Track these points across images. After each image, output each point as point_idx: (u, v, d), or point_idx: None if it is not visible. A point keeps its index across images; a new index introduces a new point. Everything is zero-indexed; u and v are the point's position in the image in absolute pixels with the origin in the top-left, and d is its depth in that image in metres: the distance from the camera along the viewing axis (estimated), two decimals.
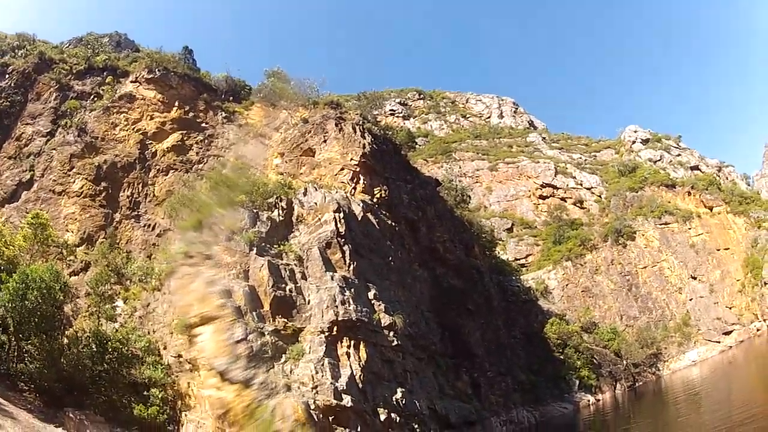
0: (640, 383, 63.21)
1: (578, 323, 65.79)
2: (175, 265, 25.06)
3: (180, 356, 22.26)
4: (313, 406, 20.29)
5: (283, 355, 21.81)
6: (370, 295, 26.02)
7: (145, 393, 21.37)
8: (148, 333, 24.44)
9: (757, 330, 69.13)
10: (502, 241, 77.96)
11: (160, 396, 21.32)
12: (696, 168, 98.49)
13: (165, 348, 23.10)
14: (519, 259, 77.45)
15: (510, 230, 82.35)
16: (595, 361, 61.14)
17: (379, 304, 25.99)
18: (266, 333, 21.94)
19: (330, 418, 20.82)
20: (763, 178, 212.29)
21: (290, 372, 21.40)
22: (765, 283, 69.96)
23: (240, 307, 22.04)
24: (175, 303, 23.90)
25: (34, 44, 48.31)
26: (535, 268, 75.37)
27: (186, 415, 20.99)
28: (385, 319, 25.58)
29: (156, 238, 31.22)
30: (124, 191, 37.54)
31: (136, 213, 36.60)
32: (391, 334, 25.72)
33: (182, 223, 28.15)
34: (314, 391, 20.82)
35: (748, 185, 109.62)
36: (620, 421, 41.90)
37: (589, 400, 55.47)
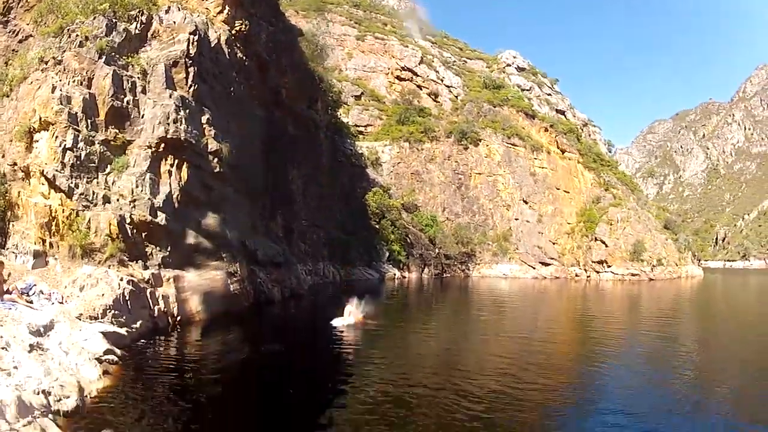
0: (448, 275, 70.31)
1: (401, 200, 70.89)
2: (28, 70, 24.08)
3: (15, 164, 21.89)
4: (128, 221, 21.46)
5: (108, 167, 22.31)
6: (204, 119, 26.43)
7: None
8: None
9: (576, 275, 78.34)
10: (348, 105, 79.69)
11: None
12: (562, 113, 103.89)
13: (3, 156, 22.49)
14: (359, 126, 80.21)
15: (358, 98, 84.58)
16: (408, 240, 67.17)
17: (210, 130, 26.52)
18: (97, 142, 22.23)
19: (143, 235, 22.10)
20: (627, 155, 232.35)
21: (112, 184, 22.11)
22: (595, 239, 78.63)
23: (77, 114, 22.04)
24: (19, 109, 23.10)
25: None
26: (372, 139, 78.50)
27: (13, 226, 21.08)
28: (213, 145, 26.29)
29: (17, 44, 28.59)
30: None
31: (5, 19, 32.66)
32: (216, 160, 26.55)
33: (44, 28, 26.32)
34: (132, 205, 21.83)
35: (609, 152, 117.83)
36: (422, 301, 46.32)
37: (395, 274, 61.42)
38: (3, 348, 11.66)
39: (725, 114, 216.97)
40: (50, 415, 10.09)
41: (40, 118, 21.84)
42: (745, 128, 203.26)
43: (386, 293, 48.75)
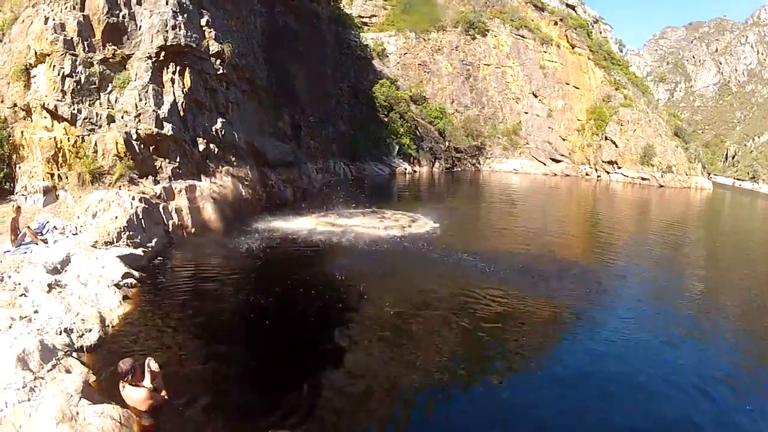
0: (459, 169, 70.47)
1: (409, 92, 69.18)
2: (18, 10, 22.85)
3: (15, 105, 20.97)
4: (135, 137, 20.88)
5: (110, 85, 21.52)
6: (203, 21, 25.42)
7: None
8: None
9: (586, 174, 78.02)
10: None
11: None
12: (572, 7, 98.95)
13: (2, 101, 21.55)
14: (363, 17, 77.48)
15: None
16: (418, 133, 66.54)
17: (210, 31, 25.59)
18: (95, 63, 21.34)
19: (150, 149, 21.65)
20: (638, 57, 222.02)
21: (115, 102, 21.38)
22: (606, 138, 77.23)
23: (72, 39, 21.03)
24: (14, 50, 21.95)
25: None
26: (377, 29, 75.99)
27: (20, 167, 20.43)
28: (214, 47, 25.44)
29: None
30: None
31: None
32: (218, 62, 25.77)
33: None
34: (137, 119, 21.21)
35: (620, 51, 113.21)
36: (434, 197, 45.66)
37: (406, 169, 61.19)
38: (22, 295, 11.59)
39: (739, 34, 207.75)
40: (74, 354, 10.07)
41: (36, 52, 20.93)
42: (758, 52, 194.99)
43: (396, 188, 49.03)
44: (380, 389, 10.29)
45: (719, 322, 15.89)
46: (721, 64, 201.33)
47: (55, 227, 16.81)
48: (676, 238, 31.94)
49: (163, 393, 8.77)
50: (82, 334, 10.74)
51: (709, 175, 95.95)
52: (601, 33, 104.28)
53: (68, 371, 9.23)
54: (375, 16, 78.88)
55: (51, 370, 9.01)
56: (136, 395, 8.43)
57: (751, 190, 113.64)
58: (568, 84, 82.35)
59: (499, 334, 13.22)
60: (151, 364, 8.72)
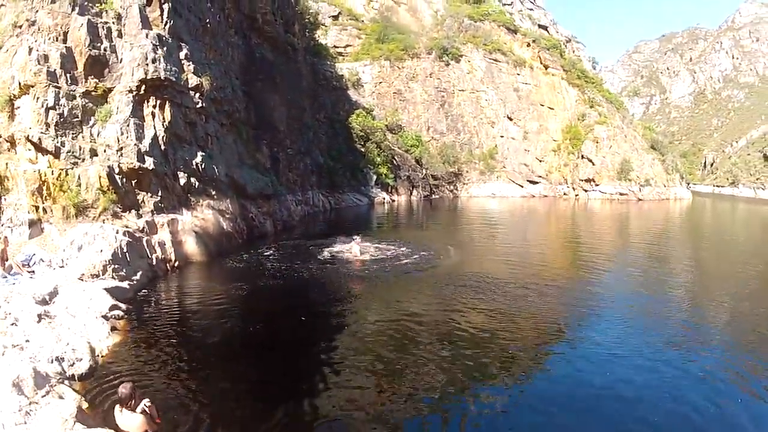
0: (437, 196, 70.75)
1: (384, 121, 69.73)
2: (2, 39, 23.00)
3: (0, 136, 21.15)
4: (117, 171, 21.14)
5: (92, 118, 21.84)
6: (182, 54, 25.92)
7: None
8: None
9: (564, 194, 78.89)
10: (325, 26, 77.09)
11: None
12: (545, 28, 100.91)
13: None
14: (338, 47, 77.98)
15: (336, 18, 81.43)
16: (395, 162, 66.90)
17: (189, 65, 26.07)
18: (78, 95, 21.71)
19: (133, 182, 21.94)
20: (612, 73, 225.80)
21: (97, 135, 21.67)
22: (582, 157, 78.49)
23: (55, 71, 21.43)
24: None
25: None
26: (352, 59, 76.57)
27: (5, 199, 20.47)
28: (193, 80, 25.92)
29: None
30: None
31: None
32: (197, 95, 26.26)
33: None
34: (119, 153, 21.49)
35: (593, 69, 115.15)
36: (413, 225, 45.98)
37: (384, 198, 61.43)
38: (13, 324, 11.73)
39: (713, 41, 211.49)
40: (66, 381, 10.19)
41: (20, 83, 21.20)
42: (733, 57, 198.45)
43: (375, 219, 49.00)
44: (371, 412, 10.36)
45: (707, 329, 16.15)
46: (695, 73, 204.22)
47: (41, 260, 16.91)
48: (654, 249, 32.55)
49: (156, 419, 8.99)
50: (74, 363, 10.90)
51: (688, 185, 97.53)
52: (574, 52, 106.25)
53: (61, 397, 9.35)
54: (350, 45, 79.63)
55: (45, 395, 9.14)
56: (134, 421, 8.62)
57: (731, 196, 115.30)
58: (542, 105, 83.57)
59: (491, 351, 13.42)
60: (146, 402, 8.93)
